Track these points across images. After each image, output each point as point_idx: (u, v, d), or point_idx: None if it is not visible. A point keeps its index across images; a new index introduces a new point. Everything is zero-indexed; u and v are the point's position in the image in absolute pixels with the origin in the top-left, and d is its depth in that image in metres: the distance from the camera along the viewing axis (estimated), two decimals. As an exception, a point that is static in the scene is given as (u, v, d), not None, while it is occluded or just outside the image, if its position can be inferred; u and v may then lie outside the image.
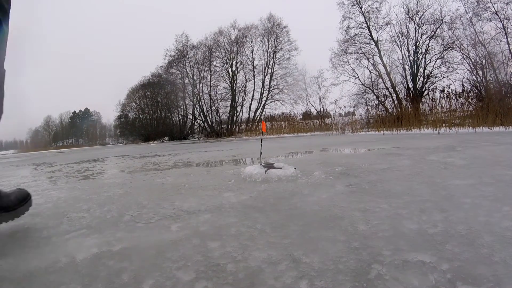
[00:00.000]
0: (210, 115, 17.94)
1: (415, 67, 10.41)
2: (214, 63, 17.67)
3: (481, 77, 8.35)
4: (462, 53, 9.07)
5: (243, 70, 17.69)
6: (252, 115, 17.51)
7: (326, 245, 0.65)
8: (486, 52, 8.35)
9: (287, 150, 3.45)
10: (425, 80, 10.23)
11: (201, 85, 18.04)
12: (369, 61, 11.35)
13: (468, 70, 8.83)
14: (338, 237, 0.69)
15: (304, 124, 13.49)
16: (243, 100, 17.57)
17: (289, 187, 1.25)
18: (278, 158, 2.57)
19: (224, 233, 0.76)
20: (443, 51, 9.81)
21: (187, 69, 18.43)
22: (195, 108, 18.82)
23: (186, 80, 18.48)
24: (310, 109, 14.53)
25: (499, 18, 8.35)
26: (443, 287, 0.47)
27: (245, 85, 17.67)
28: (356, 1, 11.28)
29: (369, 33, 11.25)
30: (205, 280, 0.54)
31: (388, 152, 2.33)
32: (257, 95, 17.64)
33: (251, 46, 17.50)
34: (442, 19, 9.79)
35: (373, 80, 11.30)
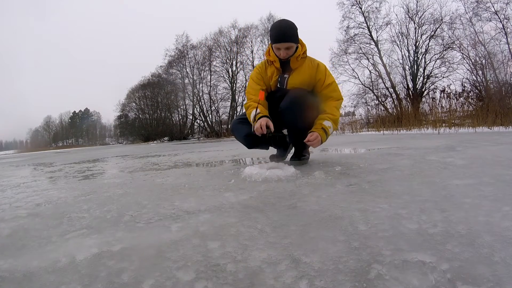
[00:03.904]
0: (210, 115, 17.96)
1: (415, 67, 10.43)
2: (214, 63, 17.71)
3: (481, 77, 8.36)
4: (462, 53, 9.09)
5: (243, 70, 17.72)
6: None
7: (326, 245, 0.65)
8: (486, 52, 8.36)
9: (287, 150, 3.44)
10: (425, 80, 10.24)
11: (201, 85, 18.07)
12: (369, 61, 11.37)
13: (468, 70, 8.85)
14: (338, 237, 0.69)
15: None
16: (243, 100, 17.58)
17: (289, 187, 1.24)
18: (278, 158, 2.56)
19: (224, 233, 0.76)
20: (443, 51, 9.84)
21: (187, 69, 18.45)
22: (195, 108, 18.83)
23: (186, 80, 18.51)
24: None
25: (499, 18, 8.37)
26: (443, 287, 0.47)
27: (245, 85, 17.69)
28: (356, 1, 11.29)
29: (369, 33, 11.26)
30: (205, 280, 0.54)
31: (388, 152, 2.33)
32: (257, 95, 17.62)
33: (251, 46, 17.54)
34: (442, 19, 9.82)
35: (373, 80, 11.33)
